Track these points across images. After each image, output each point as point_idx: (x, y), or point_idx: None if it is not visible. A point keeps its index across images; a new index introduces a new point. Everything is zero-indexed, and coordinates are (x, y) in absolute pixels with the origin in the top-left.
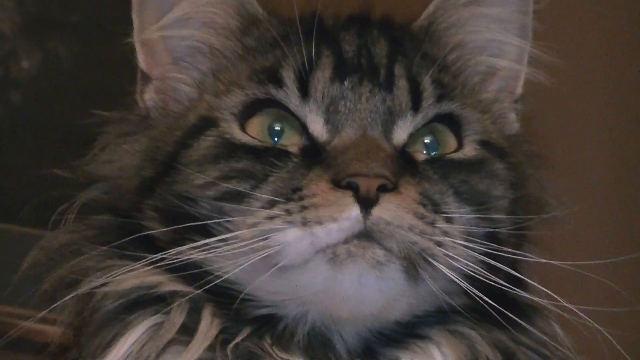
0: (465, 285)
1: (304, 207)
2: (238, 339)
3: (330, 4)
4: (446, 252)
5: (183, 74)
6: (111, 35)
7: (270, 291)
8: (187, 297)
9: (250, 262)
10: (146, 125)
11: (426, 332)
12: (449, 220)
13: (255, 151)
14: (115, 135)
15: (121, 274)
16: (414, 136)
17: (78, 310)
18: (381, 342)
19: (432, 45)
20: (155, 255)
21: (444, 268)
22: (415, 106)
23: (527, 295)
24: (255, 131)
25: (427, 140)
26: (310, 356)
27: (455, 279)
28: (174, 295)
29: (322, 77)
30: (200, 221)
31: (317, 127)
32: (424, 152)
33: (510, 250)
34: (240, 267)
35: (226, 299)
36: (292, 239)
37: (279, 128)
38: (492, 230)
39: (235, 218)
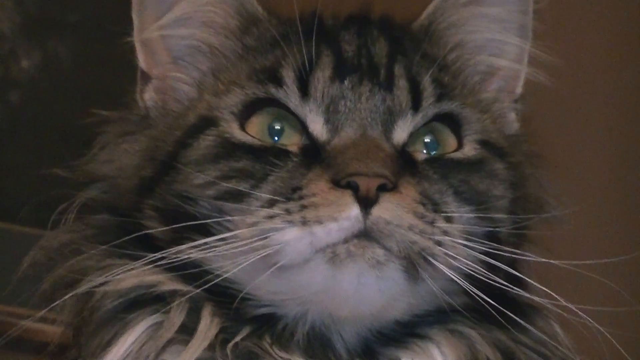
0: (465, 284)
1: (304, 207)
2: (238, 339)
3: (330, 4)
4: (446, 251)
5: (183, 73)
6: (111, 35)
7: (269, 291)
8: (186, 297)
9: (249, 261)
10: (146, 125)
11: (426, 332)
12: (448, 219)
13: (255, 150)
14: (114, 135)
15: (121, 273)
16: (414, 136)
17: (78, 309)
18: (381, 341)
19: (432, 45)
20: (155, 255)
21: (444, 267)
22: (415, 106)
23: (526, 295)
24: (255, 130)
25: (427, 140)
26: (309, 356)
27: (455, 279)
28: (174, 294)
29: (322, 76)
30: (200, 220)
31: (317, 126)
32: (424, 151)
33: (510, 249)
34: (240, 267)
35: (226, 298)
36: (291, 238)
37: (278, 127)
38: (491, 229)
39: (234, 217)
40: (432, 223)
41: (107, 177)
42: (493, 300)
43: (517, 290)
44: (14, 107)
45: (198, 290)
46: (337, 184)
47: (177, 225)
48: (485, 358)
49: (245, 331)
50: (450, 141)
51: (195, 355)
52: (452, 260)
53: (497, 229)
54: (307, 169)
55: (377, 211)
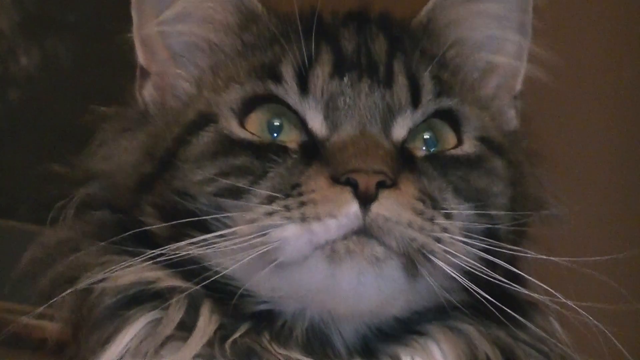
0: (464, 281)
1: (303, 203)
2: (236, 335)
3: (329, 1)
4: (445, 248)
5: (182, 70)
6: (110, 33)
7: (268, 287)
8: (185, 293)
9: (248, 258)
10: (145, 122)
11: (425, 329)
12: (448, 216)
13: (254, 147)
14: (113, 132)
15: (119, 269)
16: (413, 132)
17: (76, 306)
18: (380, 338)
19: (431, 42)
20: (154, 251)
21: (443, 264)
22: (415, 102)
23: (525, 292)
24: (254, 127)
25: (426, 137)
26: (308, 352)
27: (454, 275)
28: (173, 291)
29: (321, 73)
30: (199, 217)
31: (316, 123)
32: (423, 148)
33: (509, 246)
34: (239, 263)
35: (225, 295)
36: (290, 235)
37: (278, 124)
38: (491, 226)
39: (233, 214)
40: (431, 220)
41: (105, 174)
42: (492, 297)
43: (516, 287)
44: (13, 105)
45: (197, 287)
46: (336, 180)
47: (176, 222)
48: (484, 355)
49: (244, 328)
50: (450, 138)
51: (194, 351)
52: (451, 257)
53: (496, 226)
54: (306, 166)
55: (376, 208)
